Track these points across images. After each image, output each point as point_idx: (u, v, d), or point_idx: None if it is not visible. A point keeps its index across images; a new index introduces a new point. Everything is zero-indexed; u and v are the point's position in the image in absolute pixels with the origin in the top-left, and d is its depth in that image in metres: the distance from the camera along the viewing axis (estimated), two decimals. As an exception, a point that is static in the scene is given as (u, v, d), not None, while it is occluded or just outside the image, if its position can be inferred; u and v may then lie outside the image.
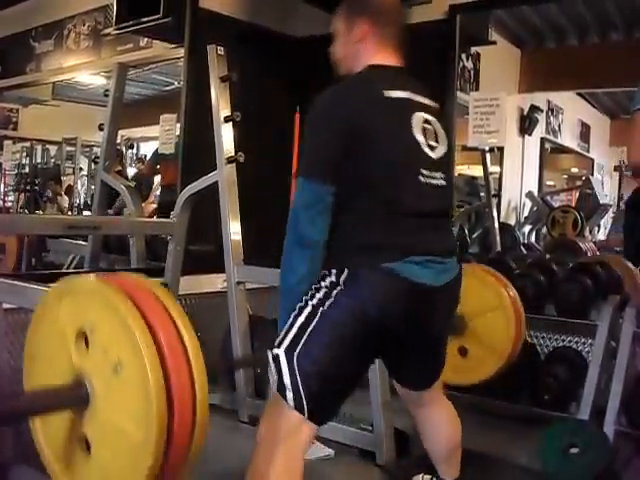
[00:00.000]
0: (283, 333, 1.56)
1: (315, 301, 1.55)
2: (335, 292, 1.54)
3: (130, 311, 1.10)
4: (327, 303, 1.53)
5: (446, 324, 1.79)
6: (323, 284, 1.57)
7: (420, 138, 1.63)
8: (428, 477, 2.10)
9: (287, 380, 1.50)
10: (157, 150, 4.96)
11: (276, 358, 1.53)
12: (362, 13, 1.75)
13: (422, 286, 1.56)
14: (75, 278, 1.25)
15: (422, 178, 1.61)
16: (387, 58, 1.73)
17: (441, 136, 1.70)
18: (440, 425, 1.94)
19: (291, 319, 1.56)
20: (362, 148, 1.56)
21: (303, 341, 1.51)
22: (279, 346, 1.54)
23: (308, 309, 1.55)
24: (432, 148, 1.65)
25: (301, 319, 1.55)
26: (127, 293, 1.13)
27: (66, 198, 6.18)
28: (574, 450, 2.43)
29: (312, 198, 1.57)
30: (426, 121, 1.67)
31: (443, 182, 1.67)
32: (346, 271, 1.54)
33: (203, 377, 1.14)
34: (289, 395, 1.49)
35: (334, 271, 1.56)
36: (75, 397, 1.16)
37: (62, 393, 1.18)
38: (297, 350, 1.51)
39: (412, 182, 1.60)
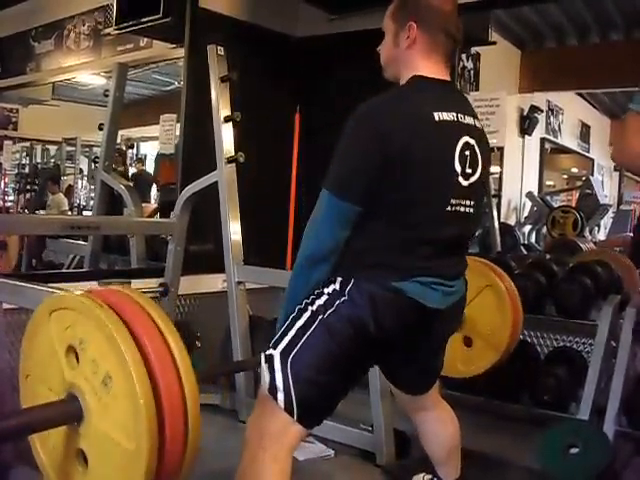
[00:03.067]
0: (279, 335, 1.55)
1: (315, 307, 1.54)
2: (338, 302, 1.52)
3: (115, 324, 1.10)
4: (328, 311, 1.52)
5: (445, 341, 1.78)
6: (325, 290, 1.55)
7: (458, 168, 1.55)
8: (428, 477, 2.11)
9: (279, 382, 1.49)
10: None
11: (270, 358, 1.52)
12: (415, 15, 1.61)
13: (427, 308, 1.54)
14: (61, 294, 1.26)
15: (449, 208, 1.55)
16: (436, 70, 1.62)
17: (479, 160, 1.62)
18: (438, 427, 1.94)
19: (289, 321, 1.56)
20: (396, 176, 1.49)
21: (299, 346, 1.51)
22: (275, 347, 1.53)
23: (307, 314, 1.54)
24: (467, 176, 1.58)
25: (299, 323, 1.54)
26: (113, 306, 1.14)
27: (64, 199, 6.17)
28: (574, 450, 2.43)
29: (338, 215, 1.52)
30: (468, 146, 1.59)
31: (471, 209, 1.60)
32: (352, 282, 1.52)
33: (192, 385, 1.14)
34: (280, 397, 1.49)
35: (339, 279, 1.54)
36: (69, 412, 1.17)
37: (56, 409, 1.19)
38: (292, 354, 1.50)
39: (437, 212, 1.55)
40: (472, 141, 1.60)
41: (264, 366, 1.54)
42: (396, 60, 1.68)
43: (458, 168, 1.55)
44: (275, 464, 1.49)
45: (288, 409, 1.49)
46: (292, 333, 1.53)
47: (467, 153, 1.58)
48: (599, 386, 2.64)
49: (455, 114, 1.57)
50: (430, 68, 1.62)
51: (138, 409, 1.06)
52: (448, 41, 1.63)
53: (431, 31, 1.61)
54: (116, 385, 1.10)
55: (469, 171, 1.58)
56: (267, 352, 1.54)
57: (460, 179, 1.56)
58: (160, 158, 5.01)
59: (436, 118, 1.53)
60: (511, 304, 2.40)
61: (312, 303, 1.55)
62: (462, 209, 1.57)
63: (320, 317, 1.52)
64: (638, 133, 1.47)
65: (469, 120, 1.62)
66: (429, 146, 1.52)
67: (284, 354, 1.51)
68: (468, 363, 2.46)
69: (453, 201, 1.55)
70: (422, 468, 2.16)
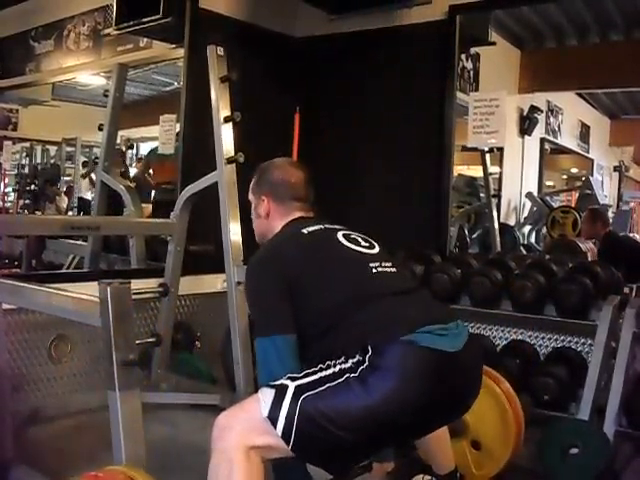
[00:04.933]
0: (302, 374, 1.55)
1: (343, 367, 1.54)
2: (361, 369, 1.51)
3: None
4: (352, 375, 1.51)
5: (476, 385, 1.74)
6: (350, 361, 1.54)
7: (352, 245, 1.79)
8: (428, 477, 2.11)
9: (284, 410, 1.48)
10: (151, 150, 4.98)
11: (283, 388, 1.52)
12: (267, 190, 1.97)
13: (444, 352, 1.54)
14: None
15: (374, 269, 1.73)
16: (296, 217, 1.92)
17: (371, 240, 1.86)
18: None
19: (315, 368, 1.56)
20: (301, 282, 1.68)
21: (318, 390, 1.50)
22: (293, 380, 1.53)
23: (334, 369, 1.54)
24: (369, 248, 1.81)
25: (325, 373, 1.54)
26: None
27: (64, 198, 6.17)
28: (574, 450, 2.43)
29: (281, 351, 1.62)
30: (350, 236, 1.84)
31: (393, 269, 1.78)
32: (370, 348, 1.52)
33: None
34: (280, 424, 1.48)
35: (357, 353, 1.54)
36: None
37: None
38: (308, 393, 1.50)
39: (365, 272, 1.72)
40: (352, 234, 1.85)
41: (271, 391, 1.53)
42: (263, 228, 2.00)
43: (352, 245, 1.79)
44: (248, 458, 1.49)
45: (285, 438, 1.48)
46: (314, 378, 1.54)
47: (353, 237, 1.84)
48: (599, 386, 2.64)
49: (322, 226, 1.86)
50: (292, 217, 1.93)
51: None
52: (301, 203, 1.95)
53: (282, 199, 1.95)
54: None
55: (366, 245, 1.82)
56: (279, 381, 1.54)
57: (363, 250, 1.79)
58: (153, 157, 4.98)
59: (306, 231, 1.81)
60: (508, 404, 2.37)
61: (340, 364, 1.55)
62: (386, 270, 1.75)
63: (346, 376, 1.51)
64: None
65: (338, 227, 1.88)
66: (316, 246, 1.78)
67: (300, 390, 1.50)
68: (481, 466, 2.40)
69: (372, 264, 1.74)
70: (422, 468, 2.16)
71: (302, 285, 1.68)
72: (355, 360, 1.54)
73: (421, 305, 1.72)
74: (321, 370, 1.55)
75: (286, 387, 1.51)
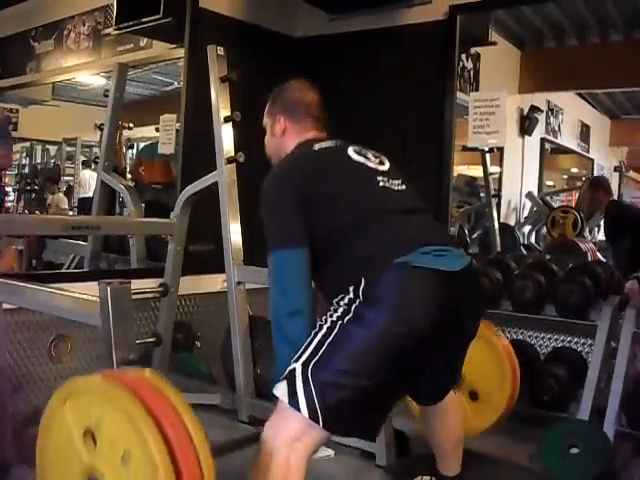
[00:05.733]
0: (302, 349, 1.55)
1: (335, 317, 1.56)
2: (355, 306, 1.53)
3: (133, 402, 1.13)
4: (347, 317, 1.53)
5: (476, 314, 1.76)
6: (342, 303, 1.57)
7: (363, 159, 1.81)
8: (427, 478, 2.11)
9: (300, 392, 1.48)
10: (143, 147, 4.98)
11: (292, 372, 1.52)
12: (283, 109, 2.00)
13: (442, 272, 1.53)
14: (77, 379, 1.27)
15: (381, 183, 1.75)
16: (310, 137, 1.95)
17: (381, 157, 1.88)
18: (446, 417, 1.95)
19: (311, 336, 1.57)
20: (315, 200, 1.70)
21: (320, 353, 1.51)
22: (296, 360, 1.54)
23: (327, 324, 1.56)
24: (378, 164, 1.83)
25: (320, 334, 1.55)
26: (129, 387, 1.16)
27: (64, 199, 6.16)
28: (574, 450, 2.43)
29: (293, 265, 1.65)
30: (360, 150, 1.85)
31: (402, 186, 1.80)
32: (363, 280, 1.53)
33: (209, 464, 1.15)
34: (303, 407, 1.48)
35: (351, 288, 1.56)
36: None
37: None
38: (313, 361, 1.50)
39: (370, 189, 1.75)
40: (363, 150, 1.86)
41: (284, 380, 1.53)
42: (277, 147, 2.02)
43: (363, 160, 1.81)
44: (289, 467, 1.49)
45: (313, 417, 1.47)
46: (314, 345, 1.54)
47: (363, 152, 1.84)
48: (599, 386, 2.64)
49: (334, 143, 1.88)
50: (305, 137, 1.95)
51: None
52: (315, 121, 1.98)
53: (297, 118, 1.98)
54: (135, 462, 1.11)
55: (376, 161, 1.83)
56: (290, 366, 1.54)
57: (372, 165, 1.81)
58: (144, 155, 4.97)
59: (317, 148, 1.85)
60: (505, 354, 2.37)
61: (331, 315, 1.57)
62: (394, 186, 1.77)
63: (340, 323, 1.53)
64: None
65: (347, 145, 1.87)
66: (327, 160, 1.83)
67: (305, 364, 1.51)
68: (478, 417, 2.38)
69: (380, 178, 1.77)
70: (422, 468, 2.16)
71: (312, 202, 1.70)
72: (347, 300, 1.55)
73: (422, 226, 1.73)
74: (316, 334, 1.55)
75: (293, 370, 1.52)
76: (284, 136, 1.99)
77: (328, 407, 1.47)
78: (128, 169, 4.77)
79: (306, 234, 1.67)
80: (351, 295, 1.55)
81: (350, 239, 1.64)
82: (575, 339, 3.28)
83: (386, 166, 1.84)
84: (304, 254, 1.66)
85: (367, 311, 1.51)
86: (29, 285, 2.00)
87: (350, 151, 1.83)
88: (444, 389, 1.87)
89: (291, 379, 1.51)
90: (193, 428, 1.16)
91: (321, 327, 1.56)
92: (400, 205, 1.73)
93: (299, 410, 1.48)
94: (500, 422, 2.41)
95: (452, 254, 1.62)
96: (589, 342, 3.15)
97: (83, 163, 6.42)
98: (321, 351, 1.51)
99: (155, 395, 1.17)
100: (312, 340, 1.55)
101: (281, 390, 1.53)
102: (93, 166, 5.60)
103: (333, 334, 1.52)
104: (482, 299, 1.82)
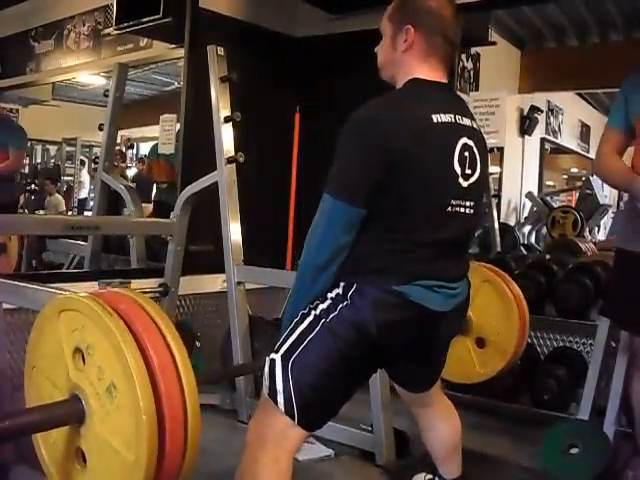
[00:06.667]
0: (282, 339, 1.55)
1: (318, 311, 1.54)
2: (341, 306, 1.52)
3: (123, 335, 1.11)
4: (331, 315, 1.52)
5: (447, 344, 1.77)
6: (329, 295, 1.55)
7: (458, 169, 1.55)
8: (429, 477, 2.11)
9: (279, 385, 1.49)
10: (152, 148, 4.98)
11: (272, 362, 1.52)
12: (413, 18, 1.60)
13: (429, 311, 1.53)
14: (71, 295, 1.25)
15: (450, 208, 1.55)
16: (434, 72, 1.62)
17: (478, 161, 1.62)
18: (440, 423, 1.94)
19: (292, 325, 1.55)
20: (398, 179, 1.49)
21: (300, 349, 1.50)
22: (277, 351, 1.53)
23: (310, 318, 1.54)
24: (467, 177, 1.58)
25: (302, 326, 1.53)
26: (121, 314, 1.15)
27: (62, 200, 6.14)
28: (574, 450, 2.43)
29: (342, 220, 1.51)
30: (467, 147, 1.58)
31: (470, 210, 1.59)
32: (355, 286, 1.52)
33: (194, 399, 1.15)
34: (280, 400, 1.48)
35: (342, 284, 1.54)
36: (71, 413, 1.18)
37: (60, 409, 1.20)
38: (293, 357, 1.50)
39: (437, 213, 1.54)
40: (470, 142, 1.59)
41: (266, 370, 1.53)
42: (393, 63, 1.67)
43: (458, 169, 1.55)
44: (275, 465, 1.49)
45: (289, 412, 1.48)
46: (294, 337, 1.53)
47: (466, 154, 1.57)
48: (599, 386, 2.64)
49: (453, 116, 1.57)
50: (427, 71, 1.61)
51: (140, 424, 1.08)
52: (446, 45, 1.62)
53: (429, 35, 1.60)
54: (120, 396, 1.11)
55: (468, 172, 1.58)
56: (270, 357, 1.53)
57: (460, 180, 1.56)
58: (153, 155, 4.98)
59: (434, 120, 1.53)
60: (514, 299, 2.37)
61: (315, 308, 1.55)
62: (462, 210, 1.57)
63: (323, 321, 1.52)
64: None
65: (467, 122, 1.61)
66: (429, 149, 1.52)
67: (285, 358, 1.50)
68: (485, 365, 2.41)
69: (453, 202, 1.55)
70: (422, 468, 2.16)
71: (390, 182, 1.49)
72: (334, 294, 1.54)
73: (441, 259, 1.59)
74: (297, 324, 1.54)
75: (274, 361, 1.51)
76: (406, 53, 1.62)
77: (304, 405, 1.48)
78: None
79: (370, 196, 1.49)
80: (339, 291, 1.54)
81: (382, 244, 1.55)
82: (575, 339, 3.28)
83: (475, 177, 1.60)
84: (362, 218, 1.50)
85: (350, 314, 1.50)
86: (29, 285, 1.99)
87: (459, 146, 1.56)
88: (426, 383, 1.87)
89: (271, 372, 1.51)
90: (183, 367, 1.15)
91: (303, 318, 1.54)
92: (446, 236, 1.57)
93: (277, 404, 1.49)
94: (507, 368, 2.40)
95: (450, 292, 1.59)
96: (589, 342, 3.15)
97: (81, 163, 6.41)
98: (301, 347, 1.50)
99: (147, 327, 1.16)
100: (293, 331, 1.54)
101: (265, 381, 1.53)
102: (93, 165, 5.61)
103: (315, 331, 1.51)
104: (458, 329, 1.80)
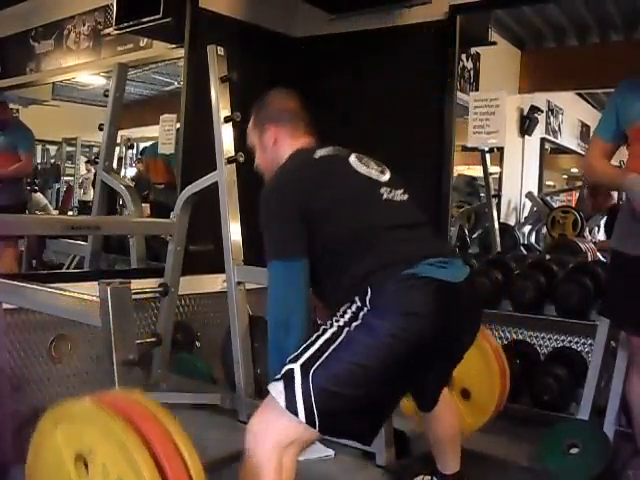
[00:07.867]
0: (301, 350, 1.53)
1: (342, 322, 1.54)
2: (362, 314, 1.53)
3: (126, 431, 1.11)
4: (354, 324, 1.52)
5: (474, 324, 1.78)
6: (349, 310, 1.56)
7: (363, 169, 1.78)
8: (428, 478, 2.11)
9: (299, 396, 1.47)
10: (144, 149, 4.97)
11: (289, 373, 1.50)
12: (269, 119, 1.95)
13: (445, 282, 1.56)
14: (68, 404, 1.24)
15: (384, 195, 1.74)
16: (303, 143, 1.90)
17: (381, 164, 1.85)
18: (440, 413, 1.96)
19: (313, 338, 1.55)
20: (316, 207, 1.67)
21: (323, 358, 1.49)
22: (294, 361, 1.51)
23: (333, 329, 1.54)
24: (380, 173, 1.80)
25: (324, 337, 1.53)
26: (122, 413, 1.15)
27: (41, 196, 6.07)
28: (574, 450, 2.43)
29: (293, 276, 1.63)
30: (361, 157, 1.82)
31: (406, 196, 1.79)
32: (369, 290, 1.53)
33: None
34: (300, 411, 1.46)
35: (357, 298, 1.56)
36: None
37: None
38: (315, 366, 1.48)
39: (375, 201, 1.73)
40: (361, 156, 1.82)
41: (280, 381, 1.51)
42: (270, 159, 1.93)
43: (363, 169, 1.78)
44: (281, 469, 1.49)
45: (310, 421, 1.46)
46: (315, 348, 1.52)
47: (364, 161, 1.81)
48: (599, 386, 2.64)
49: (334, 149, 1.83)
50: (299, 145, 1.89)
51: None
52: (306, 126, 1.95)
53: (286, 124, 1.93)
54: None
55: (378, 169, 1.81)
56: (286, 367, 1.52)
57: (374, 175, 1.78)
58: (149, 155, 4.97)
59: (316, 156, 1.80)
60: (493, 353, 2.37)
61: (337, 321, 1.55)
62: (396, 198, 1.76)
63: (346, 330, 1.52)
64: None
65: (348, 153, 1.84)
66: (322, 172, 1.77)
67: (305, 367, 1.49)
68: (473, 415, 2.39)
69: (382, 190, 1.74)
70: (422, 468, 2.16)
71: (315, 213, 1.66)
72: (354, 308, 1.55)
73: (425, 239, 1.74)
74: (319, 337, 1.54)
75: (292, 371, 1.49)
76: (276, 145, 1.92)
77: (326, 413, 1.46)
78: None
79: (306, 245, 1.64)
80: (358, 304, 1.55)
81: (356, 252, 1.62)
82: (575, 339, 3.28)
83: (387, 176, 1.81)
84: (303, 266, 1.64)
85: (375, 318, 1.50)
86: (29, 285, 2.00)
87: (352, 160, 1.80)
88: (435, 397, 1.90)
89: (289, 380, 1.49)
90: (189, 457, 1.14)
91: (325, 331, 1.54)
92: (403, 219, 1.73)
93: (296, 414, 1.46)
94: (492, 420, 2.41)
95: (453, 266, 1.64)
96: (589, 342, 3.15)
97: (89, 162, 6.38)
98: (324, 356, 1.49)
99: (149, 422, 1.15)
100: (313, 342, 1.53)
101: (276, 390, 1.50)
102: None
103: (339, 340, 1.51)
104: (480, 309, 1.83)
